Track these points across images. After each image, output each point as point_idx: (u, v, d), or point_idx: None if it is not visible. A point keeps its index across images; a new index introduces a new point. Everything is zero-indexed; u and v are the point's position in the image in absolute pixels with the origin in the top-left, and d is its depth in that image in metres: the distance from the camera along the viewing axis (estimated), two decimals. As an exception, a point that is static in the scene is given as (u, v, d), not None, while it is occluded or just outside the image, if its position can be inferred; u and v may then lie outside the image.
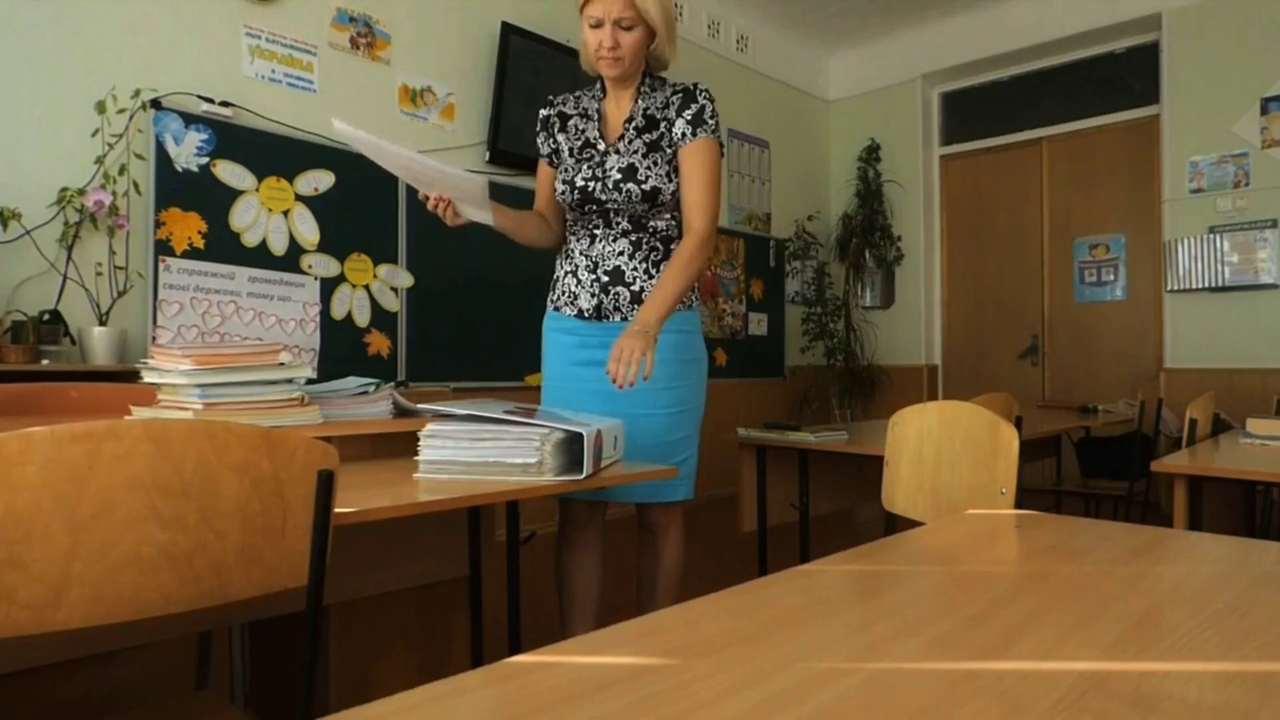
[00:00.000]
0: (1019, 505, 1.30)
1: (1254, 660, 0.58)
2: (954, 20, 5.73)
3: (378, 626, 1.59)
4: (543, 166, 2.03)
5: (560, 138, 1.97)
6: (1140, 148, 5.23)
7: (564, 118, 1.98)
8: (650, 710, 0.49)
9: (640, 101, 1.91)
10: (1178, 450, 2.16)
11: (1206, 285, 4.73)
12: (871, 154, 6.14)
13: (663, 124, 1.88)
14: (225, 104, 3.27)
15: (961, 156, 6.06)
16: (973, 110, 6.01)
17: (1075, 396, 5.34)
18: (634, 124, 1.89)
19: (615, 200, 1.86)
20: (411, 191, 3.85)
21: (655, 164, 1.87)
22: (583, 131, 1.94)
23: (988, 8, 5.56)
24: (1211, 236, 4.71)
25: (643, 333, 1.65)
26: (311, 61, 3.57)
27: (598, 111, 1.95)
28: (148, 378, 1.50)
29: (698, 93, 1.89)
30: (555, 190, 1.96)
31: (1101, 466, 4.00)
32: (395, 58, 3.86)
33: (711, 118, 1.88)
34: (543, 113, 2.00)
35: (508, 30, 4.13)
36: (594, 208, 1.89)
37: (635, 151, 1.87)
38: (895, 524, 1.58)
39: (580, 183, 1.89)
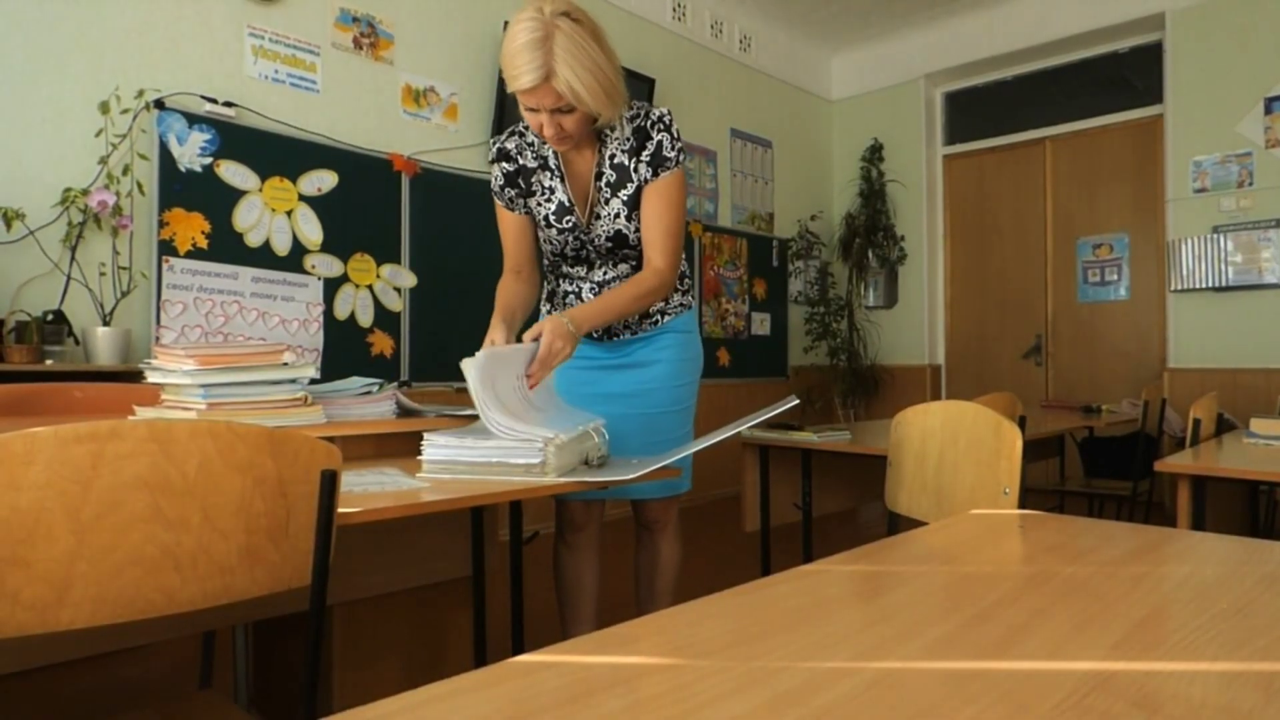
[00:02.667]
0: (1022, 505, 1.30)
1: (1258, 660, 0.58)
2: (957, 20, 5.73)
3: (381, 626, 1.59)
4: (510, 216, 1.86)
5: (531, 203, 1.83)
6: (1144, 147, 5.22)
7: (526, 174, 1.81)
8: (653, 710, 0.49)
9: (605, 149, 1.75)
10: (1181, 450, 2.16)
11: (1210, 285, 4.72)
12: (874, 153, 6.13)
13: (632, 173, 1.76)
14: (228, 104, 3.28)
15: (965, 156, 6.05)
16: (976, 110, 6.01)
17: (1078, 396, 5.33)
18: (605, 179, 1.76)
19: (612, 256, 1.85)
20: (414, 191, 3.86)
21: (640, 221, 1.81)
22: (551, 191, 1.80)
23: (991, 7, 5.55)
24: (1215, 236, 4.70)
25: (574, 336, 1.58)
26: (315, 62, 3.58)
27: (558, 166, 1.78)
28: (151, 378, 1.50)
29: (651, 128, 1.73)
30: (526, 238, 1.87)
31: (1105, 466, 3.99)
32: (398, 58, 3.87)
33: (672, 149, 1.74)
34: (504, 166, 1.81)
35: (510, 30, 4.13)
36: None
37: (617, 215, 1.77)
38: (898, 524, 1.58)
39: (571, 253, 1.84)
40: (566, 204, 1.79)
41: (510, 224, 1.86)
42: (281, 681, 1.68)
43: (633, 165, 1.75)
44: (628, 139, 1.74)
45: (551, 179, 1.79)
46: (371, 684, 1.57)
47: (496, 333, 1.67)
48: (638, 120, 1.74)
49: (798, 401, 1.48)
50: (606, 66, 1.58)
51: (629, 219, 1.78)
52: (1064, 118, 5.57)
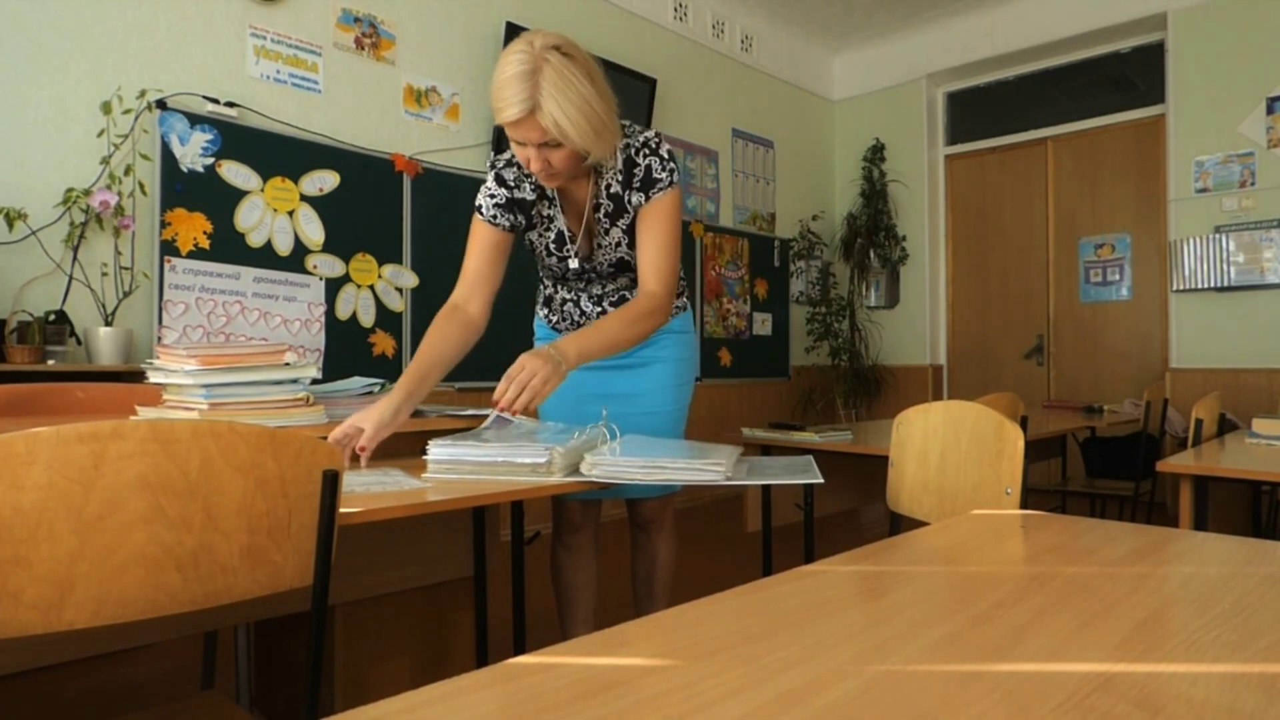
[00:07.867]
0: (1024, 505, 1.30)
1: (1260, 661, 0.58)
2: (959, 20, 5.72)
3: (382, 626, 1.59)
4: (487, 229, 1.74)
5: (532, 235, 1.80)
6: (1146, 147, 5.21)
7: (525, 206, 1.76)
8: (654, 710, 0.49)
9: (601, 180, 1.73)
10: (1183, 450, 2.16)
11: (1212, 285, 4.71)
12: (876, 154, 6.13)
13: (627, 203, 1.73)
14: (230, 104, 3.28)
15: (967, 156, 6.04)
16: (978, 110, 6.00)
17: (1080, 396, 5.33)
18: (603, 209, 1.74)
19: (614, 278, 1.86)
20: (415, 191, 3.86)
21: None
22: (550, 221, 1.78)
23: (993, 7, 5.55)
24: (1217, 236, 4.70)
25: (557, 364, 1.48)
26: (316, 62, 3.58)
27: (554, 196, 1.76)
28: (153, 378, 1.50)
29: (637, 154, 1.69)
30: (495, 256, 1.76)
31: (1107, 467, 3.99)
32: (400, 58, 3.87)
33: (662, 170, 1.69)
34: (501, 192, 1.74)
35: (512, 30, 4.13)
36: None
37: (618, 244, 1.77)
38: (900, 524, 1.58)
39: (572, 278, 1.85)
40: (566, 234, 1.78)
41: (484, 237, 1.74)
42: (283, 682, 1.68)
43: (627, 196, 1.73)
44: (619, 169, 1.71)
45: (550, 208, 1.77)
46: (373, 684, 1.57)
47: (370, 416, 1.46)
48: (628, 149, 1.71)
49: (822, 481, 1.44)
50: (597, 103, 1.52)
51: (630, 246, 1.78)
52: (1066, 117, 5.57)
